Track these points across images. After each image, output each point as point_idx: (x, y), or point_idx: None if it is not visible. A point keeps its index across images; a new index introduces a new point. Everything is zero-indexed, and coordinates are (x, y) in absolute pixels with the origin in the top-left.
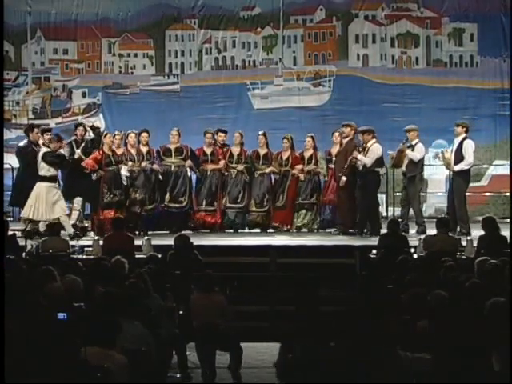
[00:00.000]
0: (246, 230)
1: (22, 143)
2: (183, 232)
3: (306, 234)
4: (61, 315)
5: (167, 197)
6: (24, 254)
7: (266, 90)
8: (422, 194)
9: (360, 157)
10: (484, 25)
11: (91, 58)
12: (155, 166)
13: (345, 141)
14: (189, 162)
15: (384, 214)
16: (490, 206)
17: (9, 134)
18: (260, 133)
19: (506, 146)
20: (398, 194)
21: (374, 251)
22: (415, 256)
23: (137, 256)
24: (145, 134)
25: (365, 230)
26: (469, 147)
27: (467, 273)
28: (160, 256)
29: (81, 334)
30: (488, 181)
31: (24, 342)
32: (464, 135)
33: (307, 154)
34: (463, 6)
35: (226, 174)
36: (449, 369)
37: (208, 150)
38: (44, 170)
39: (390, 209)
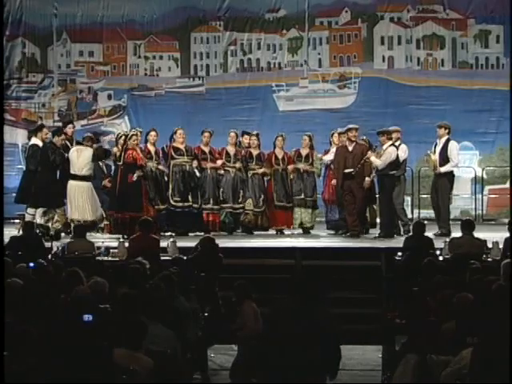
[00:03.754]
0: (239, 232)
1: (34, 143)
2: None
3: (331, 236)
4: (86, 317)
5: (176, 197)
6: (50, 255)
7: (291, 91)
8: None
9: (373, 159)
10: (510, 26)
11: (117, 60)
12: (161, 167)
13: (352, 145)
14: (195, 162)
15: (409, 215)
16: None
17: None
18: (254, 133)
19: None
20: (423, 195)
21: (400, 253)
22: (441, 258)
23: (162, 258)
24: (153, 133)
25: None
26: (454, 149)
27: (493, 275)
28: (185, 258)
29: (107, 335)
30: None
31: (50, 344)
32: (447, 137)
33: (304, 153)
34: (489, 8)
35: (223, 172)
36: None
37: (206, 149)
38: (88, 169)
39: (416, 211)
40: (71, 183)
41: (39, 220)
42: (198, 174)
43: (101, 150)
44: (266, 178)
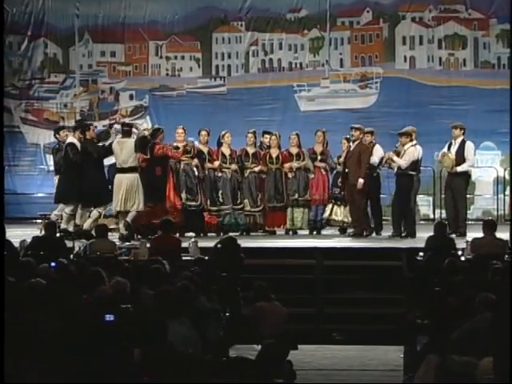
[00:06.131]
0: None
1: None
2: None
3: (350, 236)
4: (108, 317)
5: (183, 195)
6: (72, 255)
7: (312, 92)
8: (469, 195)
9: (396, 159)
10: (510, 26)
11: (138, 61)
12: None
13: (354, 144)
14: (195, 161)
15: (431, 215)
16: None
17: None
18: (250, 131)
19: None
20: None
21: (421, 253)
22: (462, 258)
23: (184, 258)
24: (180, 131)
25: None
26: (470, 149)
27: None
28: (207, 258)
29: (128, 335)
30: None
31: (72, 344)
32: (462, 137)
33: (294, 152)
34: None
35: (220, 174)
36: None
37: (204, 149)
38: (132, 160)
39: (437, 211)
40: (118, 176)
41: (78, 221)
42: (196, 172)
43: (141, 138)
44: (263, 176)
